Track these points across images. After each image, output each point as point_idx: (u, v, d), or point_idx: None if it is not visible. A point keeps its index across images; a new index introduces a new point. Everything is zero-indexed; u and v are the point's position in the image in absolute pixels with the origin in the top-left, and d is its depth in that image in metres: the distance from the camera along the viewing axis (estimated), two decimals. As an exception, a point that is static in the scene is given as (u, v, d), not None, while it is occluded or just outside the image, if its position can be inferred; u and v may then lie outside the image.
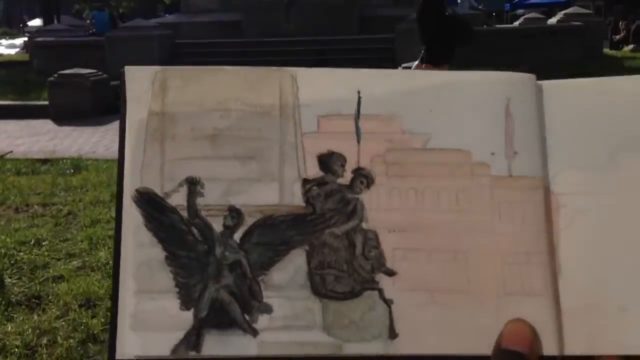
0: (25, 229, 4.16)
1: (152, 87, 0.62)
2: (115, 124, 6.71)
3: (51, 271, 3.44)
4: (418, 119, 0.67)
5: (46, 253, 3.72)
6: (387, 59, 11.31)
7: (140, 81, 0.62)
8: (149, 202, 0.56)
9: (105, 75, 9.77)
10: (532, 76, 0.72)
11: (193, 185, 0.57)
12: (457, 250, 0.59)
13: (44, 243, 3.87)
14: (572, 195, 0.63)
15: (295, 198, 0.58)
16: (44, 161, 6.12)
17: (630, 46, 17.69)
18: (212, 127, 0.61)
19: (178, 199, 0.56)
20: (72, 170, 5.69)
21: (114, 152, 6.78)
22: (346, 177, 0.60)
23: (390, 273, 0.58)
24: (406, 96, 0.68)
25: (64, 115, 8.72)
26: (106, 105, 9.28)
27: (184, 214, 0.56)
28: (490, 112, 0.68)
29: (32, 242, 3.88)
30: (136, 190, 0.57)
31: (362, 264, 0.57)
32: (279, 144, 0.62)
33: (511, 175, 0.63)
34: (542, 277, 0.59)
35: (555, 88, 0.73)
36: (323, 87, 0.67)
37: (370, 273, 0.57)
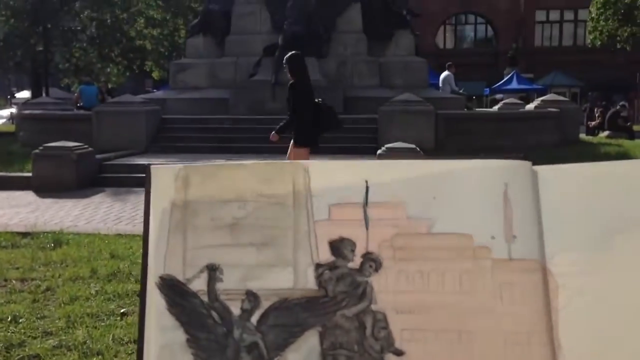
0: (3, 305, 4.07)
1: (175, 183, 0.68)
2: (99, 197, 6.68)
3: (27, 349, 3.35)
4: (422, 206, 0.73)
5: (22, 330, 3.63)
6: (371, 139, 11.54)
7: (164, 178, 0.69)
8: (172, 288, 0.59)
9: (91, 149, 9.83)
10: (527, 163, 0.79)
11: (213, 271, 0.60)
12: (462, 331, 0.62)
13: (20, 320, 3.79)
14: (570, 275, 0.67)
15: (309, 282, 0.61)
16: (24, 234, 6.05)
17: (606, 132, 18.26)
18: (231, 217, 0.69)
19: (199, 285, 0.60)
20: (52, 245, 5.63)
21: (95, 226, 6.74)
22: (356, 262, 0.64)
23: (399, 353, 0.60)
24: (410, 184, 0.74)
25: (47, 188, 8.69)
26: (90, 178, 9.29)
27: (205, 298, 0.59)
28: (489, 197, 0.74)
29: (8, 319, 3.79)
30: (160, 277, 0.61)
31: (372, 344, 0.60)
32: (292, 231, 0.66)
33: (511, 258, 0.68)
34: (543, 356, 0.62)
35: (550, 173, 0.80)
36: (333, 177, 0.73)
37: (379, 353, 0.60)
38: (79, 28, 28.96)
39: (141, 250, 0.82)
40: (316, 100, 6.72)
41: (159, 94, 17.47)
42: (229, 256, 0.61)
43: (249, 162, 0.76)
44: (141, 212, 5.96)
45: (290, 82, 6.68)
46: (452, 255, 0.65)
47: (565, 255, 0.68)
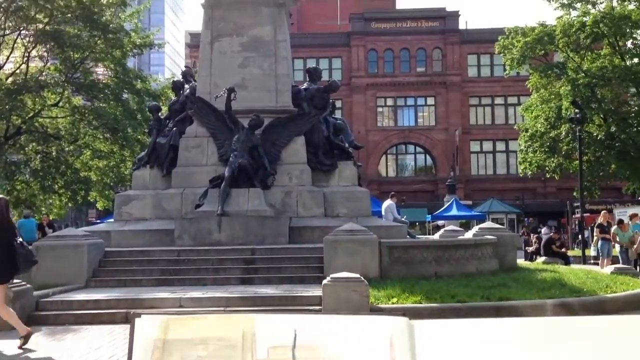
0: None
1: (157, 330, 0.98)
2: (33, 338, 6.42)
3: None
4: (334, 348, 1.03)
5: None
6: (317, 268, 11.62)
7: (147, 326, 0.98)
8: None
9: (29, 286, 9.54)
10: (405, 319, 1.11)
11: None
12: None
13: None
14: None
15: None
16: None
17: (542, 258, 18.93)
18: (196, 355, 0.98)
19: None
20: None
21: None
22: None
23: None
24: (327, 333, 1.05)
25: (-21, 326, 8.27)
26: (25, 316, 8.93)
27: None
28: (381, 343, 1.04)
29: None
30: None
31: None
32: (241, 367, 0.88)
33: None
34: None
35: (420, 325, 1.18)
36: (272, 327, 1.02)
37: None
38: (23, 160, 28.86)
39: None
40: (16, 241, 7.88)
41: (102, 225, 17.30)
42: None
43: (212, 315, 1.04)
44: (78, 355, 5.77)
45: None
46: None
47: None
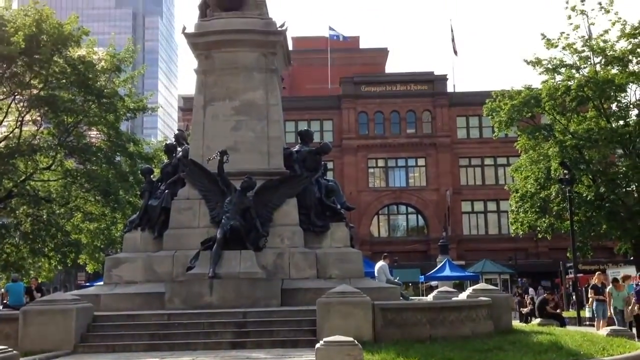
0: None
1: None
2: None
3: None
4: None
5: None
6: (310, 331, 11.45)
7: None
8: None
9: (15, 352, 9.31)
10: None
11: None
12: None
13: None
14: None
15: None
16: None
17: (537, 320, 18.71)
18: None
19: None
20: None
21: None
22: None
23: None
24: None
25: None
26: (12, 383, 8.68)
27: None
28: None
29: None
30: None
31: None
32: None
33: None
34: None
35: None
36: None
37: None
38: (13, 223, 28.67)
39: None
40: None
41: (91, 289, 17.05)
42: None
43: None
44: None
45: None
46: None
47: None
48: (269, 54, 16.94)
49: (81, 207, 29.38)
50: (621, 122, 30.47)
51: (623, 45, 29.67)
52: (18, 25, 26.30)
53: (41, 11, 27.26)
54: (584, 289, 28.34)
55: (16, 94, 28.07)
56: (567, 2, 30.37)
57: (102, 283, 16.61)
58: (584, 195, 29.43)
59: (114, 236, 29.61)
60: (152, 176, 17.73)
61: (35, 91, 27.57)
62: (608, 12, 29.73)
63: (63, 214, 29.36)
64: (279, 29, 17.00)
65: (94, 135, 31.16)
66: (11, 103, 28.44)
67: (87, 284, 34.03)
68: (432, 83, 52.17)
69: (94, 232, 29.80)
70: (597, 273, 21.19)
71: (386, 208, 51.43)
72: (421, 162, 51.08)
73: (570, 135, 29.90)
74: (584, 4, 30.25)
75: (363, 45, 68.14)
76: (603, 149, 29.70)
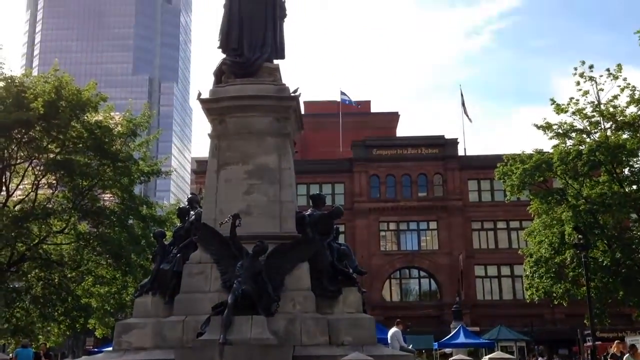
0: None
1: None
2: None
3: None
4: None
5: None
6: (321, 402, 11.16)
7: None
8: None
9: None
10: None
11: None
12: None
13: None
14: None
15: None
16: None
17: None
18: None
19: None
20: None
21: None
22: None
23: None
24: None
25: None
26: None
27: None
28: None
29: None
30: None
31: None
32: None
33: None
34: None
35: None
36: None
37: None
38: (24, 287, 28.60)
39: None
40: None
41: (99, 356, 16.79)
42: None
43: None
44: None
45: None
46: None
47: None
48: (282, 119, 17.21)
49: (92, 270, 29.33)
50: (634, 187, 30.35)
51: (633, 110, 29.91)
52: (37, 92, 27.00)
53: (61, 78, 28.02)
54: (602, 357, 27.55)
55: (33, 158, 28.54)
56: (575, 69, 30.87)
57: (110, 349, 16.39)
58: (600, 260, 29.01)
59: (124, 300, 29.40)
60: (164, 240, 17.75)
61: (51, 155, 28.03)
62: (616, 78, 30.14)
63: (74, 277, 29.29)
64: (292, 94, 17.33)
65: (108, 199, 31.44)
66: (28, 167, 28.88)
67: (96, 349, 33.58)
68: (443, 147, 52.57)
69: (105, 296, 29.63)
70: (616, 342, 20.66)
71: (398, 272, 50.92)
72: (433, 225, 50.90)
73: (583, 200, 29.75)
74: (592, 71, 30.72)
75: (374, 109, 69.22)
76: (617, 214, 29.47)
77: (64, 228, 28.47)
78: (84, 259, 28.91)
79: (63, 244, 29.29)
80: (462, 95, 56.71)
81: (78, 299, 28.69)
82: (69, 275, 28.96)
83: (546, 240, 31.05)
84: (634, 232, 30.69)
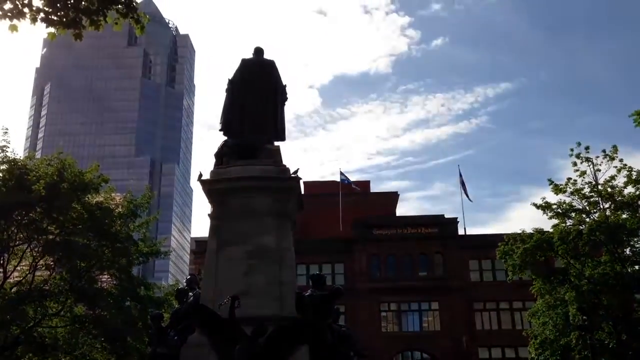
0: None
1: None
2: None
3: None
4: None
5: None
6: None
7: None
8: None
9: None
10: None
11: None
12: None
13: None
14: None
15: None
16: None
17: None
18: None
19: None
20: None
21: None
22: None
23: None
24: None
25: None
26: None
27: None
28: None
29: None
30: None
31: None
32: None
33: None
34: None
35: None
36: None
37: None
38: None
39: None
40: None
41: None
42: None
43: None
44: None
45: None
46: None
47: None
48: (282, 200, 17.30)
49: (87, 354, 28.60)
50: (636, 267, 30.10)
51: (631, 190, 30.12)
52: (40, 174, 27.24)
53: (64, 161, 28.34)
54: None
55: (32, 239, 28.40)
56: (571, 150, 31.32)
57: None
58: (606, 342, 28.38)
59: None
60: (161, 322, 17.44)
61: (51, 236, 27.92)
62: (613, 159, 30.53)
63: (69, 362, 28.54)
64: (293, 175, 17.51)
65: (105, 280, 31.08)
66: (27, 249, 28.69)
67: None
68: (442, 226, 52.51)
69: (99, 381, 28.79)
70: None
71: (400, 355, 49.65)
72: (434, 305, 50.09)
73: (586, 280, 29.44)
74: (588, 152, 31.17)
75: (373, 188, 69.68)
76: (621, 295, 29.09)
77: (59, 310, 27.98)
78: (79, 343, 28.25)
79: (58, 327, 28.70)
80: (460, 174, 57.19)
81: (71, 385, 27.84)
82: (63, 360, 28.24)
83: (550, 321, 30.50)
84: (639, 313, 30.17)
